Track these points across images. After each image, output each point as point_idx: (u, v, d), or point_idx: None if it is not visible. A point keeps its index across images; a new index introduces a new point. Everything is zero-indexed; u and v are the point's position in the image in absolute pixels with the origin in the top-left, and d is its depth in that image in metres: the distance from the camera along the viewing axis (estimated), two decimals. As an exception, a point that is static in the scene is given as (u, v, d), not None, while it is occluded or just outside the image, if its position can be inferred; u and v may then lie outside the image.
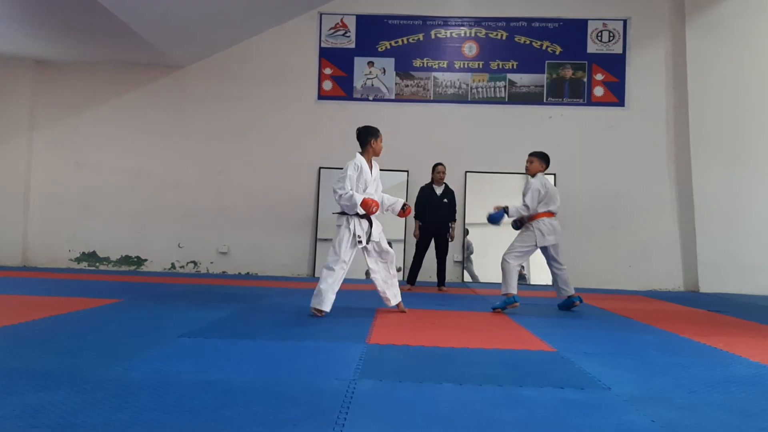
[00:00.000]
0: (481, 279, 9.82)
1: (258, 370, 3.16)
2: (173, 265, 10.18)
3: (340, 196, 5.33)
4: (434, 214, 8.29)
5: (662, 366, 3.58)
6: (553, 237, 6.19)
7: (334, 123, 10.18)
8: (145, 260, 10.23)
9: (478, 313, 5.95)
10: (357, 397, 2.69)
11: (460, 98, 10.18)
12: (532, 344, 4.24)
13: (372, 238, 5.49)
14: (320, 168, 10.12)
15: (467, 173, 9.96)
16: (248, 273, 10.09)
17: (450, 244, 8.55)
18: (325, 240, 9.94)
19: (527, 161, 6.48)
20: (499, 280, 6.25)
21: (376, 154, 5.68)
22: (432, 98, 10.20)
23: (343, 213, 5.47)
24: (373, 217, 5.52)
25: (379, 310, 5.75)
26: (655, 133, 9.98)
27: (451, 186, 8.65)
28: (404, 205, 5.69)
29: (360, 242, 5.41)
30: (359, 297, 7.05)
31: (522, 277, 9.76)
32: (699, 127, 9.60)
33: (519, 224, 6.37)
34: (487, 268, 9.82)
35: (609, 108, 10.03)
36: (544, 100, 10.11)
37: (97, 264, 10.24)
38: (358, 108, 10.20)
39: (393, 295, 5.72)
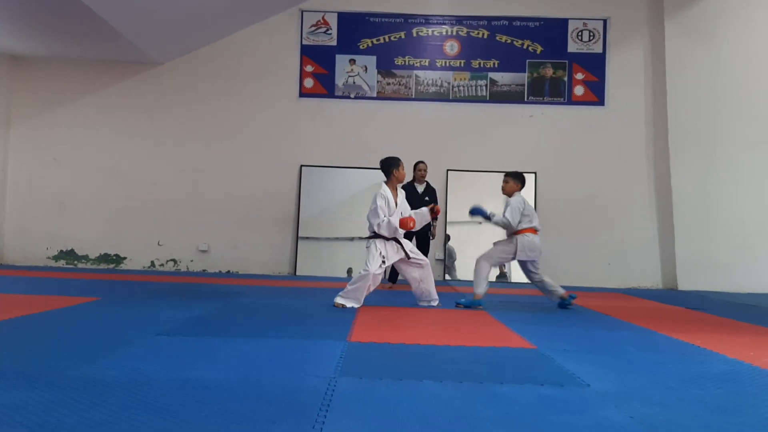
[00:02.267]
0: (462, 277, 9.84)
1: (236, 369, 3.13)
2: (152, 264, 10.10)
3: (379, 225, 5.82)
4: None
5: (640, 363, 3.60)
6: (534, 254, 6.30)
7: (316, 121, 10.16)
8: (124, 258, 10.13)
9: (459, 311, 5.96)
10: (337, 395, 2.67)
11: (442, 97, 10.19)
12: (513, 342, 4.26)
13: (409, 253, 6.02)
14: (301, 166, 10.08)
15: (448, 171, 9.98)
16: (229, 271, 10.04)
17: (431, 242, 8.55)
18: (307, 238, 9.92)
19: (503, 181, 6.55)
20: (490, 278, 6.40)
21: (400, 182, 6.17)
22: (413, 96, 10.20)
23: (372, 237, 5.93)
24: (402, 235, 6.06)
25: (360, 309, 5.73)
26: (634, 132, 10.07)
27: (432, 184, 8.65)
28: (432, 208, 6.22)
29: (384, 262, 5.84)
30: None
31: (503, 275, 9.84)
32: (677, 127, 9.71)
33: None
34: (467, 266, 9.83)
35: (589, 107, 10.11)
36: (525, 99, 10.16)
37: (75, 262, 10.13)
38: (340, 106, 10.19)
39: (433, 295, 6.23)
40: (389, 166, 6.08)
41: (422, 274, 6.11)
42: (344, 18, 10.27)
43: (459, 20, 10.27)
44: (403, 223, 5.84)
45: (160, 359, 3.30)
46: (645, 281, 9.86)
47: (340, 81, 10.24)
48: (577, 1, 10.23)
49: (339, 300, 5.79)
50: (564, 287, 6.66)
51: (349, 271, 9.78)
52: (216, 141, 10.19)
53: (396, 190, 6.10)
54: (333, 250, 9.91)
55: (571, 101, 10.15)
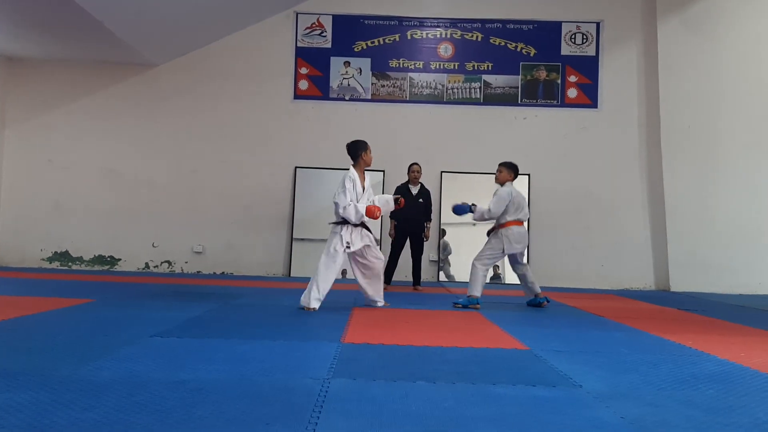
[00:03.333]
0: (457, 278, 9.86)
1: (230, 370, 3.14)
2: (147, 265, 10.08)
3: (344, 208, 5.71)
4: (409, 214, 8.30)
5: (632, 363, 3.63)
6: (520, 246, 6.41)
7: (310, 122, 10.17)
8: (119, 260, 10.12)
9: (453, 312, 5.98)
10: (330, 395, 2.69)
11: (436, 99, 10.22)
12: (506, 343, 4.28)
13: (360, 244, 5.84)
14: (296, 167, 10.09)
15: (443, 173, 10.00)
16: (223, 272, 10.03)
17: (425, 243, 8.58)
18: (301, 240, 9.92)
19: (497, 170, 6.69)
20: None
21: (367, 165, 6.10)
22: (408, 98, 10.22)
23: (339, 222, 5.82)
24: (366, 225, 5.95)
25: (354, 309, 5.75)
26: (627, 134, 10.12)
27: (427, 186, 8.67)
28: (396, 200, 6.17)
29: (348, 248, 5.78)
30: (335, 296, 7.03)
31: (497, 277, 9.86)
32: (670, 129, 9.75)
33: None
34: (462, 267, 9.85)
35: (582, 109, 10.15)
36: (519, 102, 10.20)
37: (70, 264, 10.10)
38: (335, 108, 10.20)
39: (378, 295, 6.14)
40: (357, 149, 6.05)
41: (371, 275, 6.03)
42: (339, 20, 10.28)
43: (453, 23, 10.30)
44: (369, 211, 5.76)
45: (155, 360, 3.30)
46: (638, 282, 9.89)
47: (334, 83, 10.26)
48: (570, 4, 10.27)
49: (302, 302, 5.75)
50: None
51: (344, 272, 9.77)
52: (211, 142, 10.19)
53: (363, 173, 6.06)
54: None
55: (565, 103, 10.19)
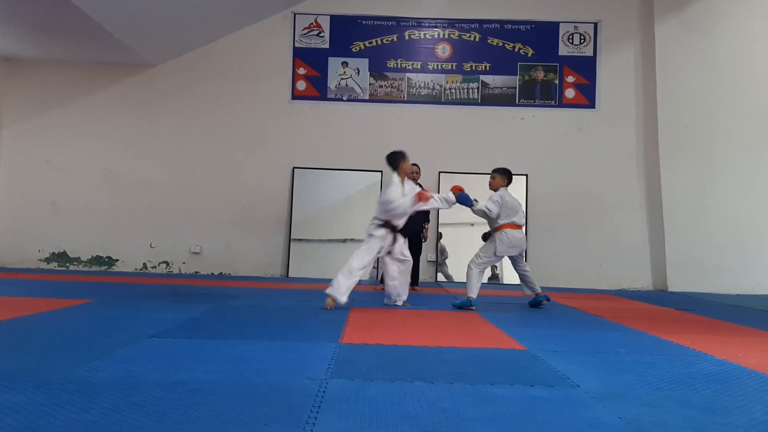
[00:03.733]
0: (455, 279, 9.86)
1: (228, 370, 3.14)
2: (145, 266, 10.08)
3: (398, 206, 5.93)
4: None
5: (629, 363, 3.63)
6: (514, 249, 6.46)
7: (308, 123, 10.17)
8: (117, 260, 10.11)
9: (451, 313, 5.98)
10: (328, 396, 2.69)
11: (434, 99, 10.22)
12: (503, 343, 4.28)
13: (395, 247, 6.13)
14: (294, 168, 10.09)
15: (441, 173, 10.00)
16: (221, 273, 10.03)
17: (423, 244, 8.57)
18: (300, 240, 9.92)
19: (490, 177, 6.72)
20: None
21: (406, 173, 6.30)
22: (406, 99, 10.23)
23: (383, 225, 6.01)
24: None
25: (352, 310, 5.75)
26: (625, 134, 10.13)
27: (425, 186, 8.65)
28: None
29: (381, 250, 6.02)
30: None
31: (495, 277, 9.87)
32: (668, 129, 9.77)
33: (486, 236, 6.66)
34: (460, 268, 9.84)
35: (580, 110, 10.16)
36: (517, 102, 10.21)
37: (68, 264, 10.09)
38: (332, 108, 10.21)
39: (405, 293, 6.34)
40: (396, 159, 6.21)
41: (405, 269, 6.25)
42: (337, 21, 10.29)
43: (451, 23, 10.31)
44: (422, 196, 5.98)
45: (152, 361, 3.30)
46: (635, 282, 9.91)
47: (332, 83, 10.26)
48: (568, 4, 10.28)
49: (329, 289, 5.82)
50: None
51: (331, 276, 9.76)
52: (209, 143, 10.19)
53: (403, 182, 6.21)
54: (325, 252, 9.91)
55: (562, 104, 10.20)
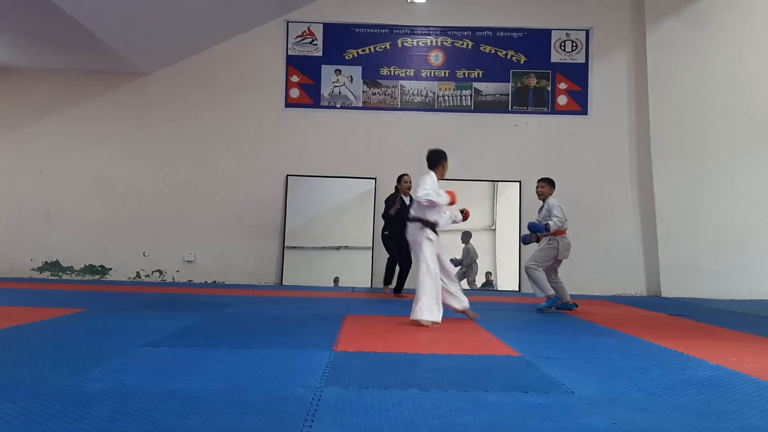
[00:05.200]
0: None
1: (221, 379, 3.13)
2: (138, 274, 10.04)
3: (432, 200, 5.51)
4: (403, 223, 8.18)
5: (624, 369, 3.63)
6: (568, 252, 7.10)
7: (302, 130, 10.18)
8: (110, 269, 10.06)
9: (446, 320, 5.96)
10: (322, 404, 2.68)
11: (427, 106, 10.25)
12: (498, 349, 4.28)
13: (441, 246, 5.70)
14: (288, 175, 10.08)
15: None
16: (215, 281, 10.00)
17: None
18: (293, 248, 9.90)
19: (538, 186, 7.29)
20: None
21: (441, 177, 6.00)
22: (399, 106, 10.24)
23: (423, 226, 5.58)
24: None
25: (347, 318, 5.74)
26: (617, 140, 10.17)
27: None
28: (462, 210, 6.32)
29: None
30: (327, 304, 7.04)
31: (489, 284, 9.87)
32: (659, 135, 9.81)
33: (528, 240, 7.24)
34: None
35: (572, 116, 10.20)
36: (509, 109, 10.24)
37: (60, 273, 10.04)
38: (326, 115, 10.21)
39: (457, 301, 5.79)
40: (439, 158, 6.06)
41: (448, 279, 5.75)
42: (330, 29, 10.31)
43: (444, 31, 10.34)
44: (452, 194, 5.69)
45: (146, 370, 3.29)
46: (629, 288, 9.92)
47: (325, 91, 10.27)
48: (560, 12, 10.34)
49: (426, 317, 5.26)
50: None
51: (336, 280, 9.78)
52: (202, 151, 10.17)
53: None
54: (319, 260, 9.90)
55: (555, 110, 10.24)
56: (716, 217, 9.60)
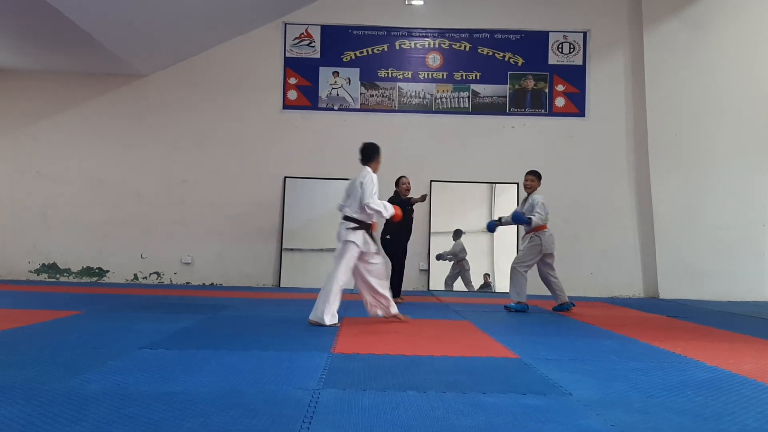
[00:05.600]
0: (446, 288, 9.86)
1: (219, 381, 3.12)
2: (136, 276, 10.02)
3: (382, 206, 5.48)
4: (405, 225, 8.18)
5: (622, 371, 3.64)
6: (553, 245, 7.07)
7: (299, 132, 10.17)
8: (107, 271, 10.05)
9: (443, 321, 5.98)
10: (320, 406, 2.68)
11: (425, 108, 10.25)
12: (496, 351, 4.28)
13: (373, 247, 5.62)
14: (285, 177, 10.08)
15: (432, 182, 10.01)
16: (213, 283, 9.99)
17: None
18: (291, 250, 9.90)
19: (527, 180, 7.25)
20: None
21: (376, 172, 5.83)
22: (397, 108, 10.25)
23: (358, 228, 5.47)
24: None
25: (345, 319, 5.73)
26: (615, 142, 10.18)
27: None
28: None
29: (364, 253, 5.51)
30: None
31: (487, 285, 9.88)
32: (657, 137, 9.83)
33: (494, 227, 7.49)
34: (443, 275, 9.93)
35: (570, 118, 10.21)
36: (507, 111, 10.24)
37: (58, 276, 10.02)
38: (324, 117, 10.21)
39: (383, 309, 5.65)
40: (373, 152, 5.83)
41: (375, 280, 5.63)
42: (327, 31, 10.31)
43: (441, 33, 10.35)
44: (397, 211, 5.70)
45: (143, 372, 3.28)
46: (627, 290, 9.93)
47: (323, 93, 10.27)
48: (557, 14, 10.35)
49: (329, 322, 5.27)
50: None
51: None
52: (200, 153, 10.16)
53: None
54: (317, 262, 9.88)
55: (552, 112, 10.25)
56: (714, 218, 9.61)
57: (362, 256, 5.48)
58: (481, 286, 9.90)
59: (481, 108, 10.25)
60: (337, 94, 10.26)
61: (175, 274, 10.04)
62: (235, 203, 10.06)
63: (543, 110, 10.25)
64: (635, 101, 10.15)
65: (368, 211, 5.42)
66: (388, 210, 5.58)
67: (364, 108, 10.25)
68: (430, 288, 9.91)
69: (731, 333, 5.57)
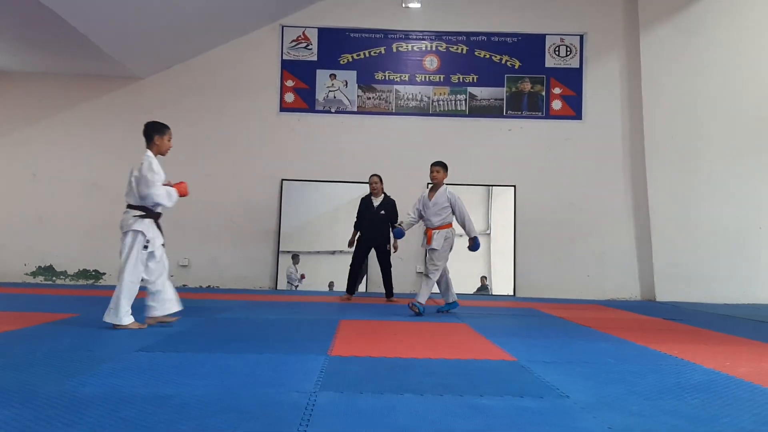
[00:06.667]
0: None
1: (215, 384, 3.11)
2: (132, 279, 9.98)
3: (160, 195, 5.16)
4: (370, 226, 8.27)
5: (618, 373, 3.63)
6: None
7: (296, 135, 10.18)
8: (104, 274, 10.03)
9: (440, 324, 5.97)
10: (317, 409, 2.67)
11: (422, 111, 10.26)
12: (493, 354, 4.27)
13: (159, 242, 5.33)
14: (282, 180, 10.07)
15: (429, 185, 9.98)
16: (209, 286, 9.97)
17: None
18: (288, 252, 9.89)
19: (434, 171, 6.86)
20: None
21: (162, 153, 5.57)
22: (394, 111, 10.26)
23: (144, 216, 5.18)
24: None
25: (341, 322, 5.72)
26: (611, 145, 10.20)
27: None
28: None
29: (146, 247, 5.20)
30: (322, 309, 7.02)
31: (484, 288, 9.88)
32: (653, 139, 9.85)
33: (401, 234, 7.00)
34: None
35: (566, 121, 10.23)
36: (504, 113, 10.26)
37: (54, 278, 10.00)
38: (321, 120, 10.22)
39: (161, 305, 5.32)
40: (152, 131, 5.47)
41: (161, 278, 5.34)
42: (325, 33, 10.32)
43: (438, 36, 10.37)
44: (181, 188, 5.32)
45: (139, 375, 3.27)
46: (623, 292, 9.94)
47: (320, 96, 10.28)
48: (554, 17, 10.38)
49: (126, 322, 5.00)
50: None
51: (331, 284, 9.77)
52: (197, 155, 10.14)
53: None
54: (314, 264, 9.89)
55: (549, 115, 10.27)
56: (710, 221, 9.63)
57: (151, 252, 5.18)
58: (478, 289, 9.90)
59: (478, 111, 10.26)
60: (334, 97, 10.27)
61: (171, 276, 9.93)
62: (232, 205, 10.05)
63: (540, 113, 10.26)
64: (631, 104, 10.18)
65: (149, 201, 5.10)
66: (172, 197, 5.22)
67: (361, 111, 10.25)
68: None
69: (727, 335, 5.58)
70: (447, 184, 6.81)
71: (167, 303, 5.30)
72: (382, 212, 8.28)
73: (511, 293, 9.78)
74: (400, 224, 6.95)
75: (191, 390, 2.97)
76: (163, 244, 5.35)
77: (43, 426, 2.34)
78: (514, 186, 9.99)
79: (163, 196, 5.16)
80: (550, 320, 6.55)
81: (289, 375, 3.40)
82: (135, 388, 2.96)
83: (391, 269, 8.38)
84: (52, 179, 10.14)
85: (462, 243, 6.83)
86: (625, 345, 4.83)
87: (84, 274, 10.01)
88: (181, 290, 9.33)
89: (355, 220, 8.49)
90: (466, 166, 10.02)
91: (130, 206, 5.21)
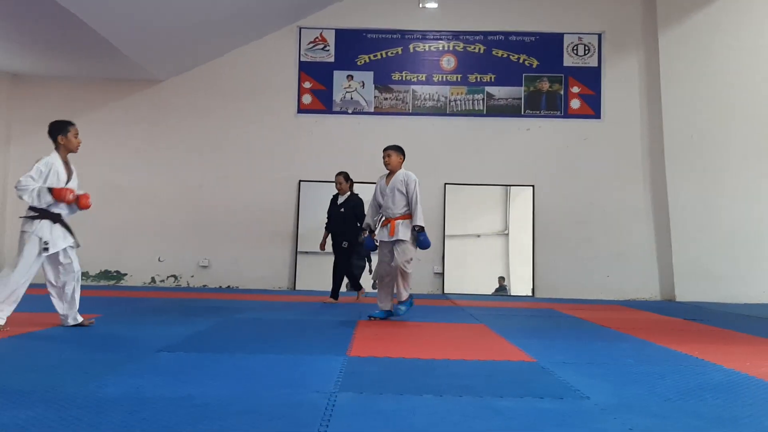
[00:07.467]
0: (460, 291, 9.83)
1: (236, 384, 3.14)
2: (153, 279, 10.09)
3: (25, 189, 5.01)
4: (334, 225, 8.17)
5: (639, 374, 3.61)
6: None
7: (314, 136, 10.21)
8: (125, 275, 10.13)
9: (459, 325, 5.97)
10: (337, 410, 2.68)
11: (439, 111, 10.25)
12: (513, 355, 4.26)
13: (63, 244, 5.14)
14: (300, 181, 10.11)
15: (446, 185, 10.01)
16: (229, 286, 10.04)
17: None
18: (306, 253, 9.92)
19: (387, 155, 6.29)
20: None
21: (70, 151, 5.38)
22: (411, 111, 10.25)
23: (34, 217, 5.03)
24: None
25: (359, 323, 5.74)
26: (630, 144, 10.12)
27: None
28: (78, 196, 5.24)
29: (47, 249, 5.02)
30: (340, 309, 7.04)
31: (502, 288, 9.84)
32: (673, 138, 9.76)
33: (372, 244, 6.22)
34: (465, 280, 9.86)
35: (585, 120, 10.16)
36: (522, 113, 10.22)
37: (75, 279, 10.10)
38: (338, 121, 10.24)
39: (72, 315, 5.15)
40: (57, 131, 5.25)
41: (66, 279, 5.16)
42: (342, 35, 10.34)
43: (455, 35, 10.35)
44: (58, 193, 5.00)
45: (161, 376, 3.31)
46: (643, 293, 9.86)
47: (337, 97, 10.30)
48: (572, 15, 10.31)
49: None
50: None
51: (347, 285, 9.76)
52: (215, 157, 10.22)
53: (67, 161, 5.32)
54: (332, 265, 9.90)
55: (567, 114, 10.20)
56: (730, 220, 9.52)
57: (55, 254, 5.02)
58: (497, 290, 9.86)
59: (495, 110, 10.23)
60: (351, 98, 10.29)
61: (192, 277, 10.11)
62: (251, 207, 10.10)
63: (558, 112, 10.21)
64: (650, 103, 10.09)
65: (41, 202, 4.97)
66: (42, 199, 5.04)
67: (378, 111, 10.26)
68: (445, 291, 9.89)
69: (748, 335, 5.52)
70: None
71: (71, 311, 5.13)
72: (342, 210, 8.09)
73: (530, 294, 9.74)
74: (364, 233, 6.25)
75: (212, 390, 2.99)
76: (72, 246, 5.17)
77: (67, 427, 2.37)
78: (533, 186, 9.94)
79: (27, 191, 5.02)
80: (569, 321, 6.52)
81: (308, 375, 3.42)
82: (157, 389, 2.99)
83: (354, 268, 8.27)
84: (73, 181, 10.24)
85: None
86: (645, 346, 4.80)
87: (105, 275, 10.12)
88: (201, 290, 9.47)
89: (326, 221, 8.35)
90: (484, 166, 10.00)
91: (30, 207, 5.09)
